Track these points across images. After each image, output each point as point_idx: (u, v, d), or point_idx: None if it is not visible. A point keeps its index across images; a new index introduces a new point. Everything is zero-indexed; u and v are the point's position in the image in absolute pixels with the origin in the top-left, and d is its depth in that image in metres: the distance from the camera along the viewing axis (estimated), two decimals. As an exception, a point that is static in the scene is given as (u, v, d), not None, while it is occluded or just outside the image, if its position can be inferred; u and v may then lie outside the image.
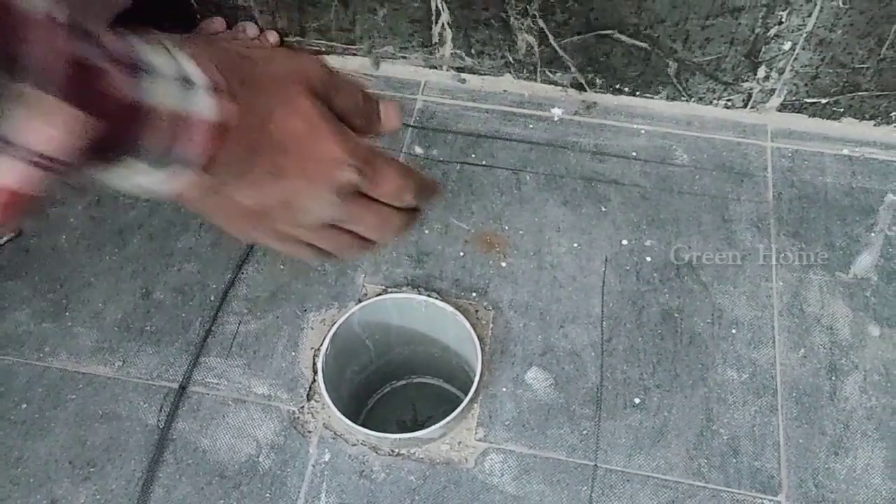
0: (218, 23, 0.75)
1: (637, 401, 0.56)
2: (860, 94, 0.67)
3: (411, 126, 0.71)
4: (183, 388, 0.57)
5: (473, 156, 0.69)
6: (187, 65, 0.27)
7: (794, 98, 0.69)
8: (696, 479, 0.53)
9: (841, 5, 0.60)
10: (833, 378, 0.57)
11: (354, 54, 0.75)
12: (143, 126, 0.25)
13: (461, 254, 0.64)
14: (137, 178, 0.27)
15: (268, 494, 0.53)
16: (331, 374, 0.56)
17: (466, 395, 0.55)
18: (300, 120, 0.31)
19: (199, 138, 0.27)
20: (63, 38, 0.22)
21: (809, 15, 0.61)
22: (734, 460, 0.53)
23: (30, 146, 0.22)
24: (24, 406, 0.57)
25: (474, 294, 0.61)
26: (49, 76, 0.21)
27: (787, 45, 0.64)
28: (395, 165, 0.34)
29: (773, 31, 0.63)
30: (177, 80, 0.26)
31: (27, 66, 0.21)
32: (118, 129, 0.24)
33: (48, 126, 0.22)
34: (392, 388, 0.68)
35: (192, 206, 0.32)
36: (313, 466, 0.54)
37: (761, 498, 0.52)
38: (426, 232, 0.65)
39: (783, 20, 0.62)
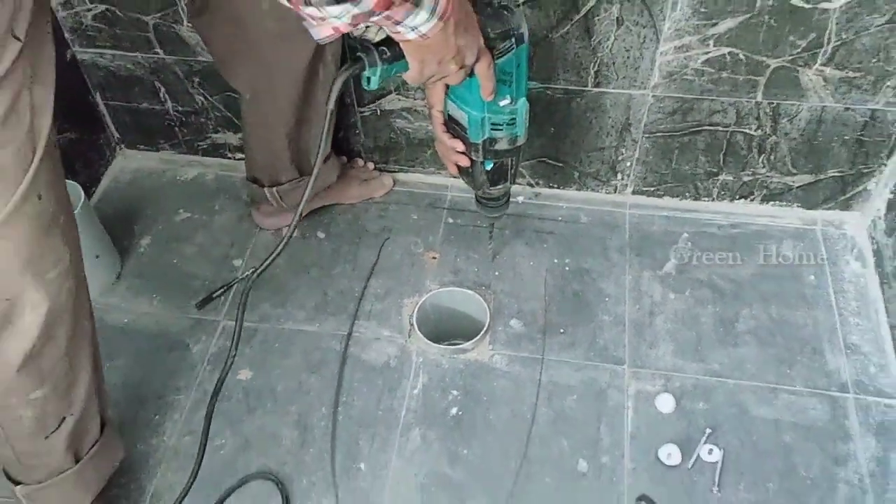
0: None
1: (562, 330, 1.21)
2: (668, 184, 1.35)
3: (446, 208, 1.39)
4: (349, 334, 1.22)
5: (478, 221, 1.35)
6: None
7: (637, 187, 1.36)
8: (582, 359, 1.17)
9: (649, 147, 1.28)
10: (651, 317, 1.22)
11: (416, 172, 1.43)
12: None
13: (475, 269, 1.30)
14: (418, 19, 0.68)
15: (397, 375, 1.17)
16: (418, 325, 1.21)
17: (482, 330, 1.20)
18: (474, 19, 0.83)
19: (443, 4, 0.68)
20: None
21: (636, 150, 1.29)
22: (598, 349, 1.18)
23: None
24: (277, 345, 1.21)
25: (483, 287, 1.27)
26: None
27: (629, 163, 1.32)
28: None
29: (621, 157, 1.31)
30: None
31: None
32: None
33: None
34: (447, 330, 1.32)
35: (423, 48, 0.74)
36: (414, 362, 1.18)
37: (613, 367, 1.17)
38: (457, 260, 1.31)
39: (624, 153, 1.30)
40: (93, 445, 0.92)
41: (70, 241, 0.81)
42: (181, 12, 1.20)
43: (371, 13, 0.66)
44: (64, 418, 0.86)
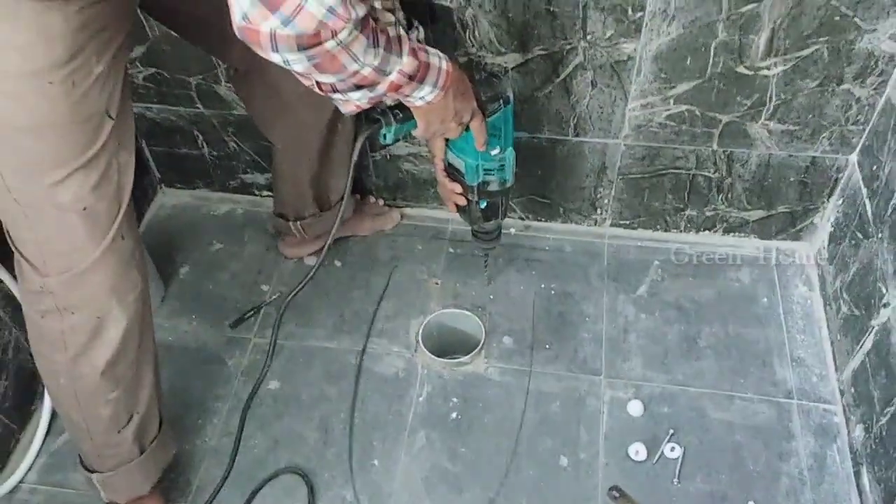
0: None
1: (547, 346, 1.40)
2: (641, 218, 1.54)
3: (448, 239, 1.58)
4: (363, 350, 1.41)
5: (476, 251, 1.55)
6: (442, 56, 0.91)
7: (615, 221, 1.56)
8: (564, 370, 1.36)
9: (623, 186, 1.48)
10: (625, 334, 1.41)
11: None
12: (430, 70, 0.89)
13: (473, 293, 1.49)
14: (423, 91, 0.89)
15: (404, 385, 1.36)
16: (423, 342, 1.40)
17: (478, 346, 1.39)
18: (469, 86, 1.03)
19: (444, 77, 0.90)
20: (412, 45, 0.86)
21: (612, 189, 1.49)
22: (579, 362, 1.37)
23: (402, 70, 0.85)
24: (302, 360, 1.40)
25: (479, 309, 1.46)
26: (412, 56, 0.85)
27: (606, 200, 1.52)
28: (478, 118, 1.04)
29: (599, 195, 1.51)
30: (439, 57, 0.91)
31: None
32: (426, 70, 0.88)
33: (408, 65, 0.85)
34: (448, 346, 1.51)
35: (429, 111, 0.94)
36: (420, 374, 1.37)
37: (591, 377, 1.35)
38: (457, 285, 1.50)
39: (602, 192, 1.50)
40: (153, 440, 1.11)
41: (142, 271, 1.00)
42: (220, 74, 1.40)
43: (384, 94, 0.87)
44: (132, 416, 1.05)
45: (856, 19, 1.15)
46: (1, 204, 0.88)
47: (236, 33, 0.70)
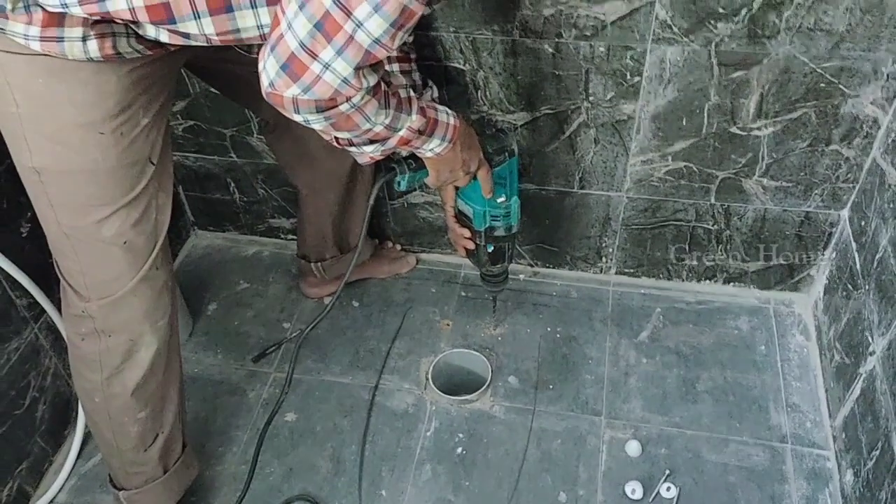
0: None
1: (551, 386, 1.47)
2: (644, 267, 1.62)
3: (460, 283, 1.67)
4: (376, 386, 1.49)
5: (486, 295, 1.63)
6: (450, 112, 1.05)
7: (619, 269, 1.64)
8: (566, 410, 1.42)
9: (627, 236, 1.56)
10: (626, 377, 1.48)
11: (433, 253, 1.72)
12: (438, 126, 1.03)
13: (481, 334, 1.57)
14: (433, 144, 1.02)
15: (414, 420, 1.43)
16: (433, 380, 1.48)
17: (485, 384, 1.46)
18: (476, 140, 1.14)
19: (452, 131, 1.04)
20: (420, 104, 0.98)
21: (616, 239, 1.57)
22: (581, 402, 1.43)
23: (411, 126, 0.97)
24: (317, 394, 1.49)
25: (487, 349, 1.54)
26: (421, 114, 0.97)
27: (611, 249, 1.60)
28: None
29: (604, 244, 1.59)
30: (447, 113, 1.08)
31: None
32: (435, 125, 1.01)
33: (417, 122, 0.97)
34: (456, 384, 1.58)
35: (439, 162, 1.06)
36: (429, 410, 1.45)
37: (592, 417, 1.42)
38: (467, 326, 1.58)
39: (607, 241, 1.58)
40: (177, 460, 1.19)
41: (172, 300, 1.10)
42: (252, 127, 1.52)
43: (396, 147, 0.97)
44: (157, 435, 1.14)
45: (840, 86, 1.23)
46: (52, 237, 0.99)
47: (264, 97, 0.81)
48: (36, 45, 0.83)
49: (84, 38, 0.84)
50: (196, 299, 1.67)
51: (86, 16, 0.82)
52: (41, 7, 0.81)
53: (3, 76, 0.87)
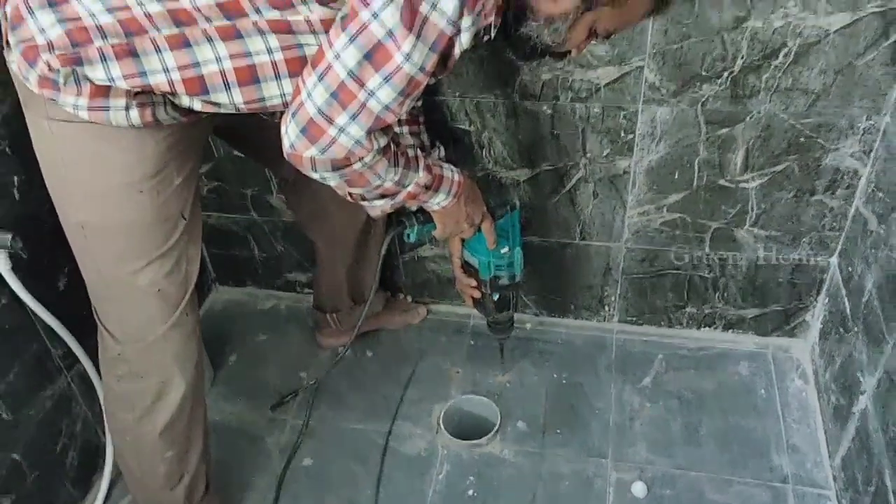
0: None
1: (558, 431, 1.52)
2: (646, 315, 1.68)
3: (468, 333, 1.74)
4: (390, 432, 1.55)
5: (495, 343, 1.69)
6: (455, 169, 1.18)
7: (622, 317, 1.70)
8: (573, 454, 1.47)
9: (627, 286, 1.63)
10: (630, 422, 1.53)
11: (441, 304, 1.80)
12: (444, 182, 1.12)
13: (490, 381, 1.63)
14: (439, 198, 1.09)
15: (426, 464, 1.48)
16: (444, 425, 1.54)
17: (494, 429, 1.52)
18: (479, 194, 1.22)
19: (456, 187, 1.12)
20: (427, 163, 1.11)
21: (617, 288, 1.65)
22: (587, 446, 1.48)
23: (418, 182, 1.05)
24: (330, 437, 1.55)
25: (495, 396, 1.60)
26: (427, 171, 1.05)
27: (612, 298, 1.67)
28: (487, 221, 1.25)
29: (606, 293, 1.67)
30: (452, 170, 1.16)
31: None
32: (440, 181, 1.10)
33: (424, 178, 1.05)
34: (467, 429, 1.64)
35: (445, 215, 1.14)
36: (440, 454, 1.50)
37: (598, 460, 1.46)
38: (476, 374, 1.65)
39: (608, 290, 1.65)
40: (201, 500, 1.25)
41: (200, 345, 1.18)
42: (272, 187, 1.63)
43: (404, 202, 1.06)
44: (182, 475, 1.20)
45: (819, 140, 1.32)
46: (92, 285, 1.08)
47: (286, 157, 0.91)
48: (84, 114, 0.94)
49: (127, 108, 0.94)
50: (217, 351, 1.75)
51: (129, 88, 0.92)
52: (90, 81, 0.92)
53: (53, 142, 0.97)
